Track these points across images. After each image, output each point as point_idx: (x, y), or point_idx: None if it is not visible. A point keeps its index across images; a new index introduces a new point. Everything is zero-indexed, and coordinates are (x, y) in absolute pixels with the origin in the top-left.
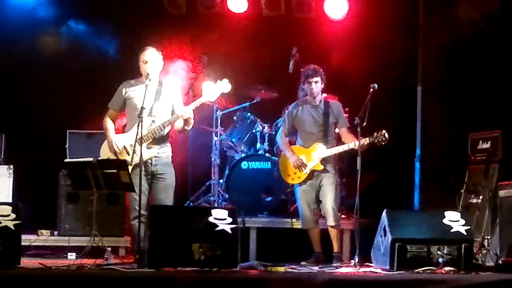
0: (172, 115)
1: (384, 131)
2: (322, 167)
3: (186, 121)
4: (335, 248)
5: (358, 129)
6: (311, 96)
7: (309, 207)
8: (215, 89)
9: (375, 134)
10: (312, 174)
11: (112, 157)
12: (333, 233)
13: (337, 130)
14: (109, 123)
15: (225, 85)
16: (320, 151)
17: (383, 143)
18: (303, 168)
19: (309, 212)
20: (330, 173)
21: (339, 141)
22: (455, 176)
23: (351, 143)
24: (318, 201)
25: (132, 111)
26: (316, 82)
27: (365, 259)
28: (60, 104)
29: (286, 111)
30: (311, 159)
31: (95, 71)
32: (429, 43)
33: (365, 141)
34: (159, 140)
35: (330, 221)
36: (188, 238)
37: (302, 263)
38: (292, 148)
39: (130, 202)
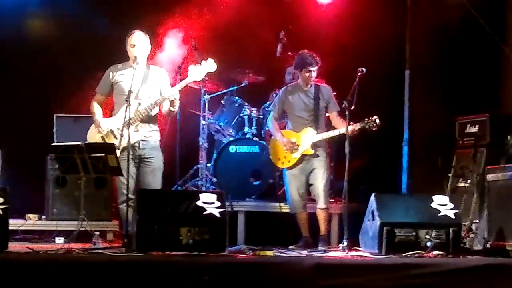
0: None
1: (375, 117)
2: (312, 151)
3: (171, 103)
4: (322, 230)
5: (346, 113)
6: (306, 83)
7: (298, 192)
8: (200, 69)
9: (366, 120)
10: (302, 159)
11: (99, 140)
12: (321, 215)
13: (327, 114)
14: (95, 107)
15: (210, 65)
16: (310, 135)
17: (374, 129)
18: (294, 150)
19: (297, 197)
20: (320, 157)
21: (329, 125)
22: (443, 160)
23: (342, 128)
24: (308, 185)
25: (119, 95)
26: (314, 71)
27: (353, 243)
28: (47, 88)
29: (275, 95)
30: (302, 143)
31: (82, 55)
32: (417, 27)
33: (356, 126)
34: (146, 123)
35: (321, 204)
36: (176, 222)
37: (290, 247)
38: (282, 132)
39: (118, 186)
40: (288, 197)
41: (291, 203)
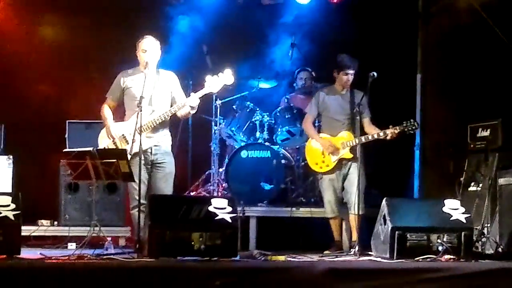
0: (172, 104)
1: (413, 120)
2: (351, 155)
3: (192, 107)
4: (354, 236)
5: (358, 117)
6: (343, 86)
7: (336, 196)
8: (218, 80)
9: (404, 123)
10: (340, 163)
11: (110, 145)
12: (353, 221)
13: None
14: (107, 112)
15: (228, 77)
16: (348, 139)
17: (412, 132)
18: (335, 154)
19: (335, 201)
20: (357, 162)
21: (362, 131)
22: (455, 164)
23: (381, 132)
24: (342, 190)
25: (130, 101)
26: (352, 74)
27: (365, 247)
28: (59, 94)
29: (287, 100)
30: (340, 147)
31: (94, 61)
32: (428, 31)
33: (395, 130)
34: (159, 129)
35: (354, 210)
36: (188, 227)
37: (325, 252)
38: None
39: (130, 192)
40: (325, 201)
41: (328, 207)
